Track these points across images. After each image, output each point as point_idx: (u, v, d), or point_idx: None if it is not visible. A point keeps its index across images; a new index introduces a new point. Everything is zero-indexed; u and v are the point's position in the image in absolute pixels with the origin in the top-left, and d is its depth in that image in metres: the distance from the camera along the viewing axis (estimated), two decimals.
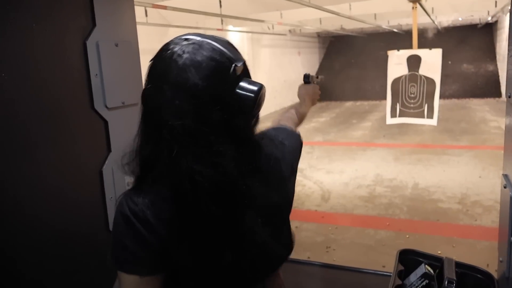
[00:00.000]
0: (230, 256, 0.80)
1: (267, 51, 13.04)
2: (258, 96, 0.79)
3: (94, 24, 1.40)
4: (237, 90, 0.77)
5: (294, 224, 4.21)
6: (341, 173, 6.19)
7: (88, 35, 1.38)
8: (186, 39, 0.78)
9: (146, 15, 6.23)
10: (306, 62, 16.58)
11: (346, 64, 16.70)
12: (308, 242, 3.90)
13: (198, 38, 0.78)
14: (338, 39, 17.20)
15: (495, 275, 1.41)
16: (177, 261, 0.79)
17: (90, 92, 1.39)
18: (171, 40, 0.79)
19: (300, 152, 1.05)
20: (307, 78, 1.46)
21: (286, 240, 1.00)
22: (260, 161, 0.84)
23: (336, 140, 8.82)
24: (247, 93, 0.78)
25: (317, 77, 1.47)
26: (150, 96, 0.76)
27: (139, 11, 6.10)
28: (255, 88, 0.79)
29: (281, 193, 0.92)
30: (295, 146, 1.02)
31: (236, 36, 10.95)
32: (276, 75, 13.53)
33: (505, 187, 1.23)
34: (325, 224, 4.36)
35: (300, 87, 1.46)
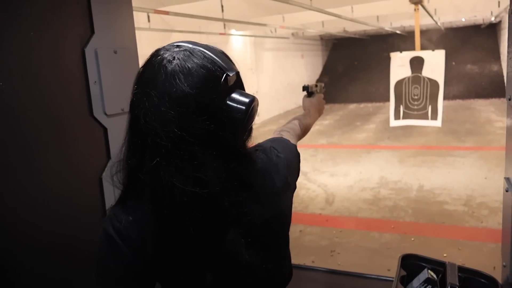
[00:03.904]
0: (211, 277, 0.77)
1: (270, 55, 13.06)
2: (249, 109, 0.76)
3: (92, 32, 1.41)
4: (228, 101, 0.75)
5: (298, 227, 4.21)
6: (345, 175, 6.16)
7: (86, 43, 1.38)
8: (177, 46, 0.76)
9: (149, 21, 6.26)
10: (309, 65, 16.59)
11: (349, 67, 16.69)
12: (312, 246, 3.88)
13: (190, 46, 0.76)
14: (341, 41, 17.20)
15: (500, 279, 1.39)
16: (158, 279, 0.77)
17: (89, 99, 1.39)
18: (163, 47, 0.77)
19: (298, 165, 1.00)
20: (307, 89, 1.40)
21: (284, 269, 0.94)
22: (250, 176, 0.81)
23: (340, 143, 8.79)
24: (238, 105, 0.75)
25: (316, 86, 1.42)
26: (137, 102, 0.74)
27: (141, 16, 6.13)
28: (246, 100, 0.76)
29: (273, 210, 0.86)
30: (291, 158, 0.96)
31: (239, 40, 10.97)
32: (279, 78, 13.54)
33: (507, 191, 1.21)
34: (330, 228, 4.34)
35: (304, 100, 1.41)
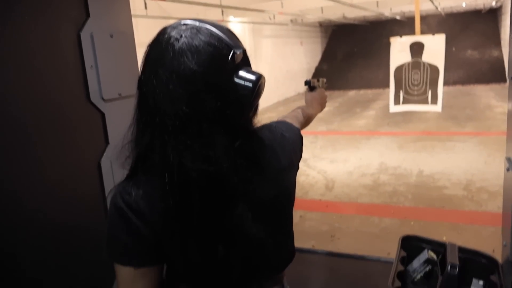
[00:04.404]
0: (223, 251, 0.78)
1: (268, 42, 12.96)
2: (256, 86, 0.76)
3: (88, 15, 1.39)
4: (235, 79, 0.75)
5: (298, 213, 4.23)
6: (345, 162, 6.16)
7: (82, 27, 1.36)
8: (184, 24, 0.76)
9: (146, 8, 6.19)
10: (309, 52, 16.48)
11: (349, 53, 16.58)
12: (312, 232, 3.90)
13: (197, 23, 0.76)
14: (341, 28, 17.06)
15: (500, 260, 1.39)
16: (171, 253, 0.78)
17: (86, 84, 1.37)
18: (169, 25, 0.77)
19: (301, 147, 1.02)
20: (309, 84, 1.42)
21: (288, 244, 0.97)
22: (257, 153, 0.82)
23: (340, 129, 8.78)
24: (245, 83, 0.75)
25: (318, 80, 1.44)
26: (145, 80, 0.74)
27: (138, 3, 6.07)
28: (253, 77, 0.76)
29: (278, 186, 0.88)
30: (295, 139, 0.99)
31: (237, 27, 10.88)
32: (278, 65, 13.46)
33: (508, 170, 1.21)
34: (330, 213, 4.35)
35: (306, 94, 1.43)
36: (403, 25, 14.16)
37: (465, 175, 5.15)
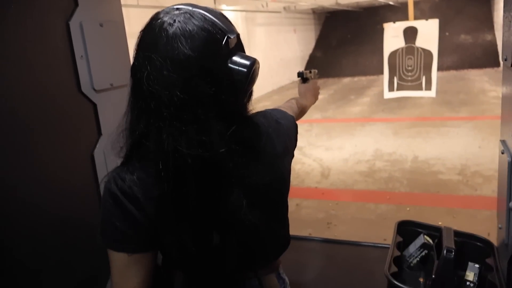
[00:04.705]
0: (218, 237, 0.78)
1: (262, 30, 12.86)
2: (250, 71, 0.75)
3: (76, 4, 1.36)
4: (229, 64, 0.74)
5: (294, 201, 4.22)
6: (340, 149, 6.17)
7: (70, 16, 1.34)
8: (177, 8, 0.75)
9: None
10: (302, 39, 16.38)
11: (342, 40, 16.50)
12: (309, 219, 3.92)
13: (190, 8, 0.75)
14: (334, 14, 16.95)
15: (495, 243, 1.40)
16: (165, 240, 0.78)
17: (77, 74, 1.35)
18: (162, 10, 0.76)
19: (296, 135, 1.02)
20: (302, 76, 1.44)
21: (284, 231, 0.97)
22: (252, 139, 0.82)
23: (335, 117, 8.77)
24: (239, 68, 0.75)
25: (310, 72, 1.45)
26: (138, 66, 0.73)
27: None
28: (247, 62, 0.75)
29: (274, 172, 0.88)
30: (289, 126, 0.99)
31: (230, 16, 10.71)
32: (272, 53, 13.38)
33: (502, 153, 1.21)
34: (326, 201, 4.37)
35: (299, 86, 1.44)
36: (397, 10, 14.08)
37: (459, 159, 5.18)
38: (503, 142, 1.24)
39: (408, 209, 3.97)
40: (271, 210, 0.89)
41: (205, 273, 0.86)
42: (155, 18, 0.75)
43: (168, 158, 0.71)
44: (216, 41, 0.73)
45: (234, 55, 0.75)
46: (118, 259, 0.77)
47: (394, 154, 5.70)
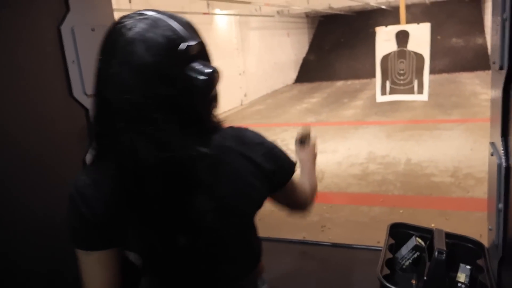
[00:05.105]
0: (184, 240, 0.80)
1: (255, 34, 12.90)
2: (208, 79, 0.76)
3: (68, 9, 1.36)
4: (187, 71, 0.75)
5: None
6: (334, 152, 6.19)
7: (62, 21, 1.34)
8: (140, 14, 0.76)
9: (130, 1, 6.11)
10: (296, 43, 16.45)
11: (336, 44, 16.59)
12: (303, 222, 3.91)
13: (153, 14, 0.76)
14: (327, 18, 17.03)
15: (486, 245, 1.42)
16: (130, 240, 0.80)
17: (68, 79, 1.35)
18: (128, 14, 0.77)
19: (286, 177, 0.96)
20: (301, 141, 1.35)
21: (252, 237, 0.96)
22: (214, 148, 0.81)
23: (328, 120, 8.80)
24: (197, 75, 0.75)
25: (306, 134, 1.37)
26: (100, 69, 0.76)
27: None
28: (206, 70, 0.76)
29: (238, 188, 0.85)
30: (274, 157, 0.92)
31: (224, 20, 10.80)
32: (266, 57, 13.42)
33: (492, 155, 1.22)
34: (320, 204, 4.38)
35: (299, 152, 1.33)
36: (389, 14, 14.20)
37: (452, 162, 5.21)
38: (492, 144, 1.25)
39: (401, 211, 3.98)
40: (237, 224, 0.89)
41: (175, 279, 0.87)
42: (117, 22, 0.77)
43: (127, 159, 0.73)
44: (175, 48, 0.74)
45: (194, 62, 0.76)
46: (81, 257, 0.80)
47: (387, 157, 5.73)
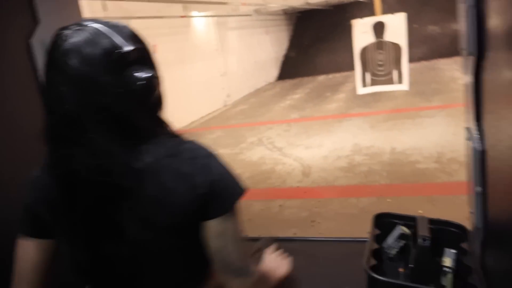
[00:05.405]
0: (109, 248, 0.81)
1: (234, 34, 12.88)
2: (146, 85, 0.77)
3: (36, 22, 1.34)
4: (123, 78, 0.75)
5: (277, 202, 4.20)
6: (319, 147, 6.23)
7: (31, 34, 1.32)
8: (78, 24, 0.77)
9: (104, 10, 6.04)
10: (275, 40, 16.47)
11: (315, 39, 16.66)
12: (293, 219, 3.93)
13: (89, 24, 0.77)
14: (305, 14, 17.10)
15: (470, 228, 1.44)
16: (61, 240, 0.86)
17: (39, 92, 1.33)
18: (66, 26, 0.78)
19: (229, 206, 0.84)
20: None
21: (185, 262, 0.87)
22: (145, 157, 0.77)
23: (312, 115, 8.84)
24: (134, 82, 0.76)
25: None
26: (44, 82, 0.78)
27: (96, 4, 5.91)
28: (143, 76, 0.77)
29: (165, 205, 0.79)
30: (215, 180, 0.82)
31: (201, 22, 10.76)
32: (247, 57, 13.41)
33: (468, 140, 1.24)
34: (308, 199, 4.40)
35: (268, 260, 1.16)
36: (365, 6, 14.31)
37: (435, 148, 5.29)
38: (468, 129, 1.28)
39: (389, 200, 4.03)
40: (163, 236, 0.82)
41: (103, 286, 0.89)
42: (56, 34, 0.78)
43: (61, 166, 0.77)
44: (109, 55, 0.75)
45: (129, 69, 0.76)
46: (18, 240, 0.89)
47: (372, 148, 5.78)
